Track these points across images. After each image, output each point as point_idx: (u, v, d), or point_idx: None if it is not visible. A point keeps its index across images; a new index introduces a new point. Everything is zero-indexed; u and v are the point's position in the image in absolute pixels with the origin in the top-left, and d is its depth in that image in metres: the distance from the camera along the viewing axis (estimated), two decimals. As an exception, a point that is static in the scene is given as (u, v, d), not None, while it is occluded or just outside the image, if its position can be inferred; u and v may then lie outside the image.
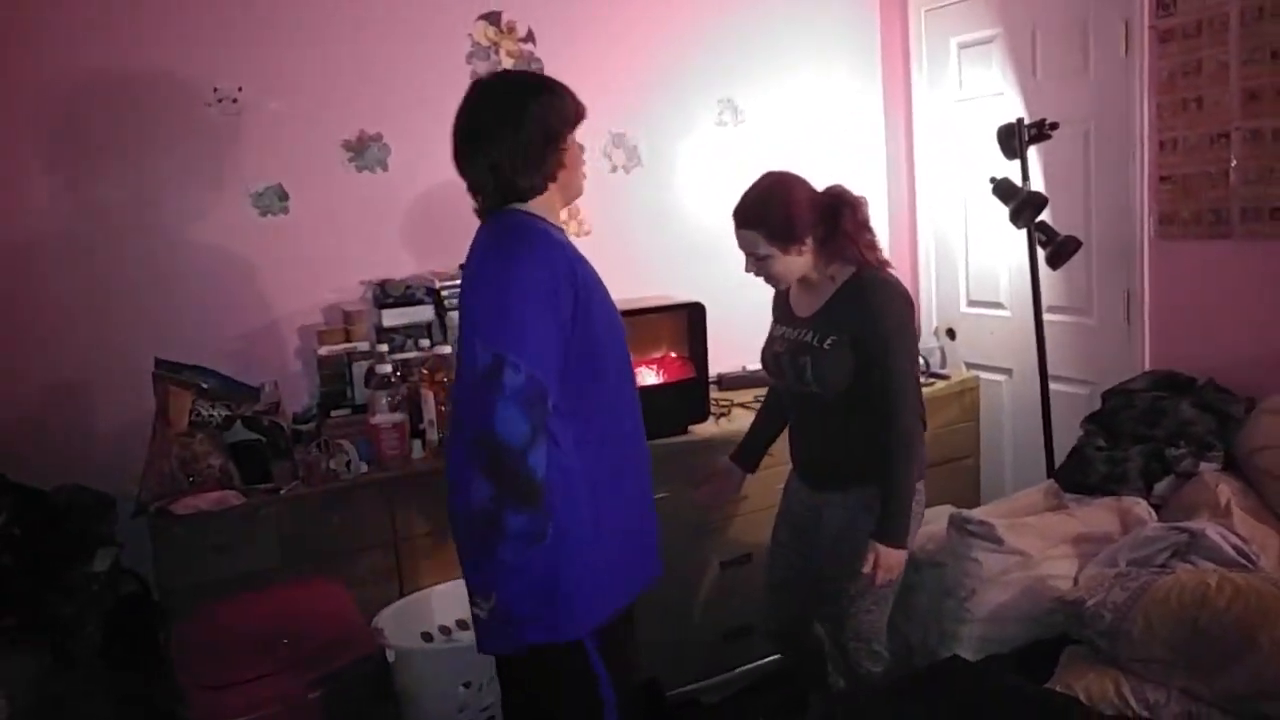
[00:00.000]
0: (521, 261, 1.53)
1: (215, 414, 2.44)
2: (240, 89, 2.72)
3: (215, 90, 2.69)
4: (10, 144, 2.49)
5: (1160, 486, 2.30)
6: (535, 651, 1.67)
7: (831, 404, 2.06)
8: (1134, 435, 2.40)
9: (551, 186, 1.69)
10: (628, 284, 3.15)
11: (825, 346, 2.01)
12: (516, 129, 1.61)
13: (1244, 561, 1.88)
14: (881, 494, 2.01)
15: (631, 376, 1.82)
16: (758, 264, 2.06)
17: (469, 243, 2.95)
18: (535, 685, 1.75)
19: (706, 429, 2.88)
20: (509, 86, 1.70)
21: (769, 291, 3.45)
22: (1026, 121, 2.73)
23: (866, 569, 1.97)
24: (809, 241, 2.03)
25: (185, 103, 2.66)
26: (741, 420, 2.94)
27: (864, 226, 2.06)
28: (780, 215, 2.01)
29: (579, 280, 1.61)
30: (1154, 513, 2.23)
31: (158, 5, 2.60)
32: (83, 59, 2.54)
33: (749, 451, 2.42)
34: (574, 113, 1.71)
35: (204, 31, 2.66)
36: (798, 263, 2.05)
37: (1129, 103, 2.77)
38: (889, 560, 1.97)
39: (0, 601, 1.99)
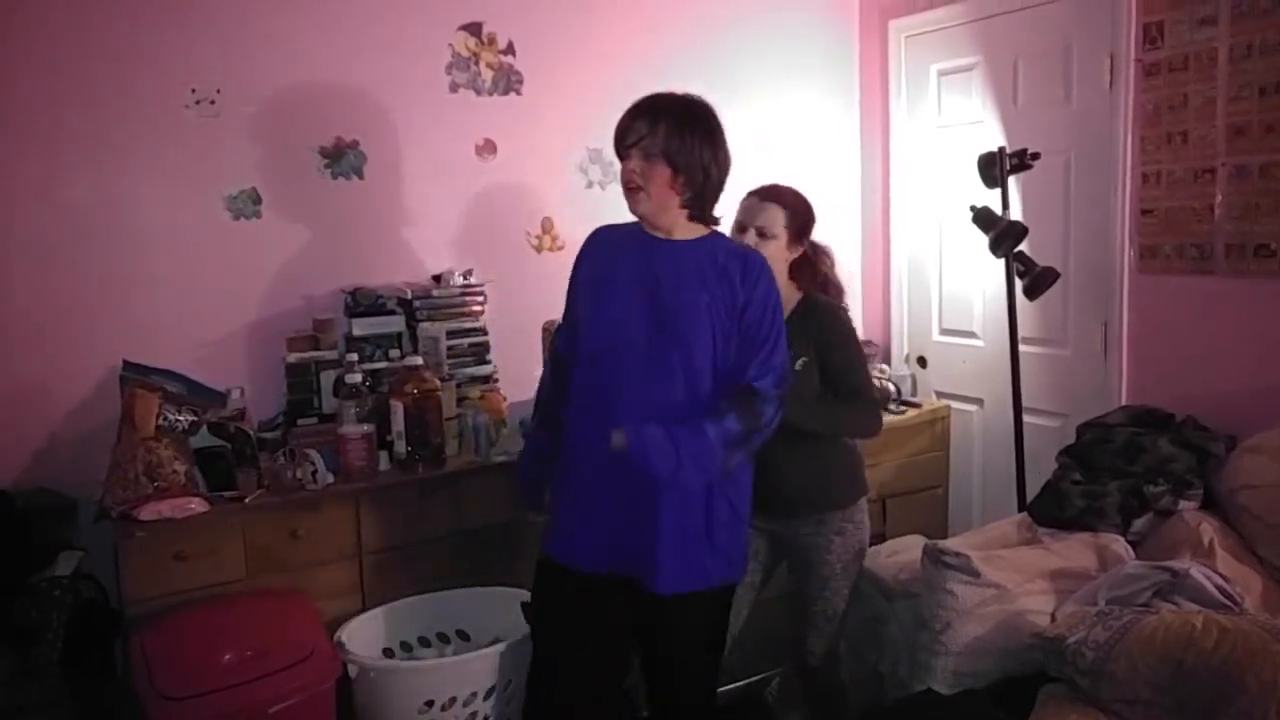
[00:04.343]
0: None
1: (181, 419, 2.39)
2: (218, 91, 2.65)
3: (193, 91, 2.63)
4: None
5: (1138, 523, 2.29)
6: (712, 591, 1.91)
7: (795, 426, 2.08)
8: (1111, 470, 2.39)
9: None
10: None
11: (798, 368, 2.08)
12: None
13: (1228, 603, 1.86)
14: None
15: (621, 375, 1.87)
16: (760, 242, 2.15)
17: (441, 254, 2.99)
18: (709, 620, 1.97)
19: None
20: None
21: None
22: (1008, 150, 2.74)
23: None
24: (795, 252, 2.20)
25: (162, 103, 2.59)
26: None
27: (833, 273, 2.34)
28: (805, 208, 2.22)
29: (587, 259, 1.97)
30: (1131, 550, 2.23)
31: (137, 5, 2.53)
32: (58, 56, 2.46)
33: None
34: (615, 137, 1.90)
35: (184, 32, 2.60)
36: (782, 264, 2.19)
37: (1111, 135, 2.79)
38: None
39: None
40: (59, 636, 2.06)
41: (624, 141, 1.85)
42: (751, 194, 2.22)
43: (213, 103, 2.65)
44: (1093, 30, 2.83)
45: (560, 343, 2.10)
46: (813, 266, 2.28)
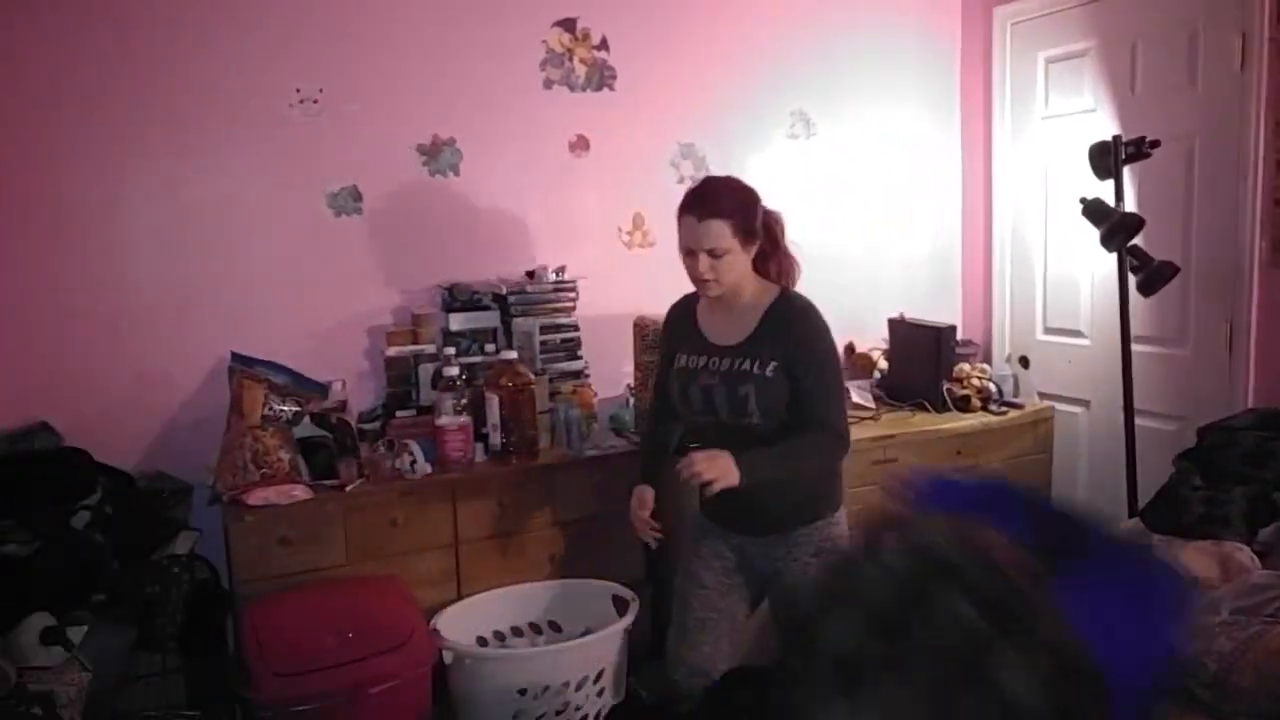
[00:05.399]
0: None
1: (285, 409, 2.49)
2: (321, 91, 2.74)
3: (298, 91, 2.72)
4: (109, 143, 2.55)
5: (1265, 532, 2.15)
6: None
7: (765, 438, 1.90)
8: (1236, 476, 2.25)
9: None
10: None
11: (769, 374, 1.90)
12: None
13: (1366, 616, 1.74)
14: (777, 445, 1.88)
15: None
16: (714, 263, 1.91)
17: (535, 250, 3.02)
18: None
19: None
20: None
21: (836, 302, 3.30)
22: (1123, 139, 2.61)
23: (691, 469, 1.77)
24: (753, 249, 1.97)
25: (269, 103, 2.70)
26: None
27: (790, 249, 2.08)
28: (749, 206, 1.96)
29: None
30: (1258, 560, 2.09)
31: (247, 9, 2.65)
32: (175, 60, 2.59)
33: (656, 472, 2.15)
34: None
35: (289, 34, 2.70)
36: (746, 266, 1.97)
37: (1242, 119, 2.63)
38: (717, 464, 1.77)
39: (93, 576, 2.05)
40: (178, 610, 2.16)
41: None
42: (686, 210, 1.95)
43: (315, 102, 2.74)
44: (1221, 8, 2.67)
45: None
46: (775, 245, 2.03)
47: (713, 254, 1.90)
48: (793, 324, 1.93)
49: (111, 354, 2.58)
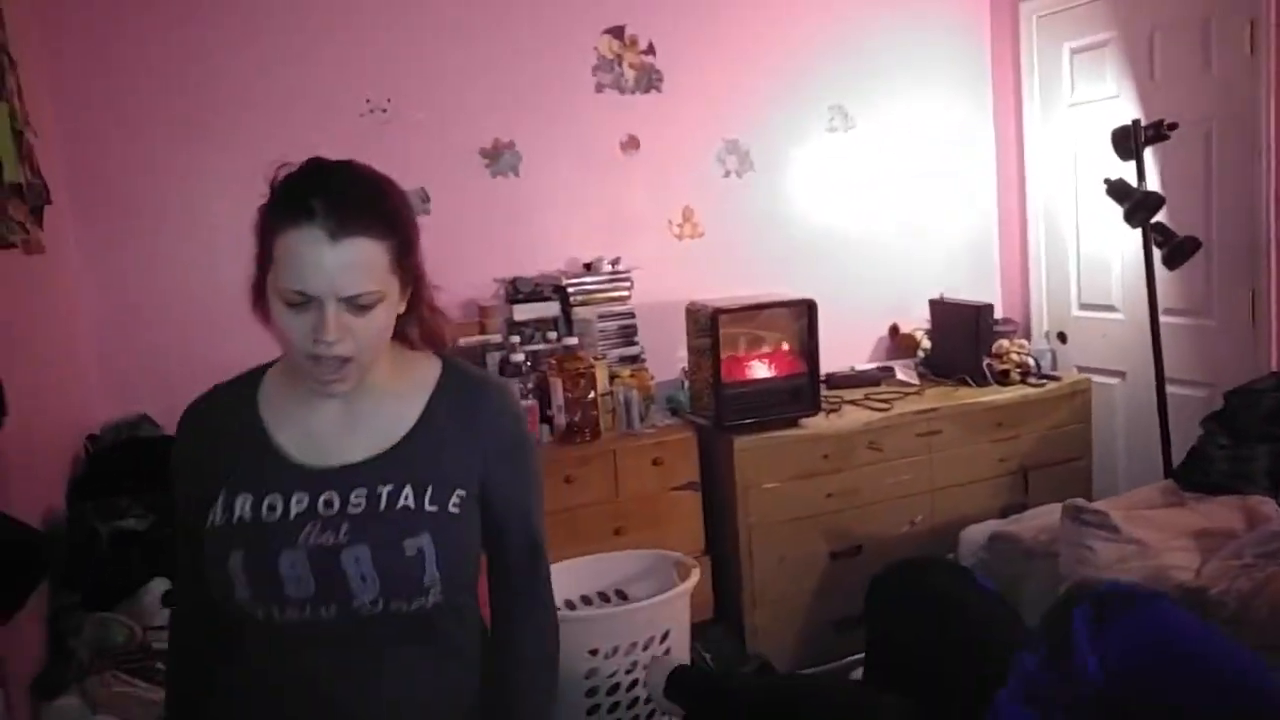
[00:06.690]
0: None
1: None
2: (389, 100, 2.96)
3: (368, 101, 2.95)
4: (204, 157, 2.80)
5: (1288, 485, 2.30)
6: None
7: (438, 630, 1.14)
8: (1259, 434, 2.39)
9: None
10: (740, 283, 3.30)
11: (454, 509, 1.11)
12: None
13: (1376, 557, 1.88)
14: None
15: None
16: (355, 322, 1.06)
17: (591, 243, 3.23)
18: None
19: (817, 423, 2.98)
20: None
21: (879, 286, 3.37)
22: (1143, 123, 2.75)
23: None
24: (407, 294, 1.14)
25: (342, 113, 2.93)
26: (852, 417, 3.04)
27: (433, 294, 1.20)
28: (408, 214, 1.15)
29: None
30: (1281, 510, 2.23)
31: (319, 24, 2.89)
32: (256, 74, 2.83)
33: None
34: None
35: (359, 47, 2.93)
36: (391, 324, 1.12)
37: (1254, 103, 2.75)
38: None
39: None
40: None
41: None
42: (304, 217, 1.05)
43: (384, 110, 2.96)
44: (1232, -3, 2.80)
45: None
46: (422, 302, 1.18)
47: (356, 305, 1.05)
48: (493, 413, 1.18)
49: (205, 352, 2.73)
